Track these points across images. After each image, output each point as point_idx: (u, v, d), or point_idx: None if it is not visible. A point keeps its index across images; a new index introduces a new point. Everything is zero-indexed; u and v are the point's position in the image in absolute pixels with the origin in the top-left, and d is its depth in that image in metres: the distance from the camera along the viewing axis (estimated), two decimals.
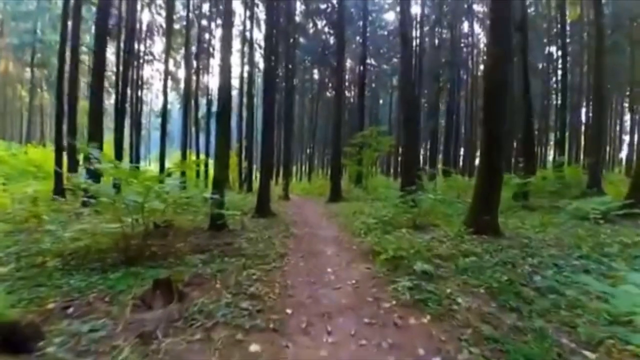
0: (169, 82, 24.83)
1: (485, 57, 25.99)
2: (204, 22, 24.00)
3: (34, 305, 2.87)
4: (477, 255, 4.36)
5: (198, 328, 2.48)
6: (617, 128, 35.06)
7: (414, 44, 22.80)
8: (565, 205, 8.27)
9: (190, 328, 2.48)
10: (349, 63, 31.11)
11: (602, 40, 13.13)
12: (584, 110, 27.06)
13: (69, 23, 12.55)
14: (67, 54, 12.45)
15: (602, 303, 2.76)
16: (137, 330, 2.33)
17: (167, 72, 20.98)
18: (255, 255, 4.75)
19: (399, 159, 26.43)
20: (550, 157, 28.63)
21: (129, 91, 19.58)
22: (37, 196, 6.98)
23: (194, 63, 23.11)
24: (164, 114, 19.45)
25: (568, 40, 20.80)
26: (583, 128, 26.68)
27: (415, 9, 25.38)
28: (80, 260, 4.11)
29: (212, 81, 26.02)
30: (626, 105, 33.32)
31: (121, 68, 17.18)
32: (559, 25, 21.19)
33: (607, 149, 29.43)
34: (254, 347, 2.29)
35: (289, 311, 2.94)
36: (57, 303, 2.90)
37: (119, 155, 14.27)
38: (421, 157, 28.66)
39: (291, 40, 20.93)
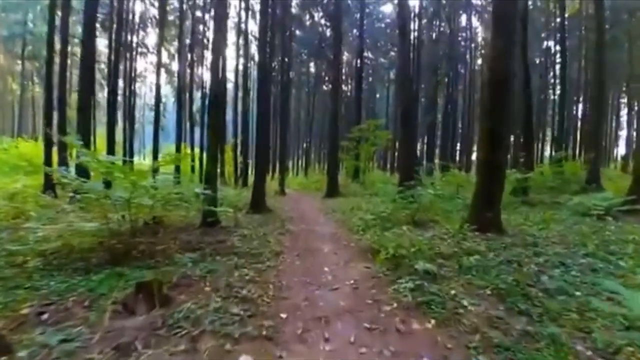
0: (163, 75, 24.40)
1: (483, 51, 25.98)
2: (198, 13, 23.54)
3: (8, 310, 2.67)
4: (480, 254, 4.19)
5: (183, 337, 2.27)
6: (614, 124, 35.09)
7: (412, 37, 22.51)
8: (566, 201, 8.17)
9: (175, 337, 2.27)
10: (345, 56, 30.73)
11: (603, 35, 12.94)
12: (580, 105, 27.04)
13: (58, 13, 12.17)
14: (58, 46, 12.05)
15: (615, 305, 2.58)
16: (115, 341, 2.13)
17: (160, 65, 20.54)
18: (249, 253, 4.56)
19: (396, 153, 26.33)
20: (547, 153, 28.60)
21: (121, 83, 19.22)
22: (17, 192, 6.69)
23: (188, 55, 22.69)
24: (157, 107, 19.12)
25: (566, 35, 20.62)
26: (579, 123, 26.65)
27: (413, 1, 25.15)
28: (63, 260, 3.90)
29: (207, 74, 25.59)
30: (622, 100, 33.35)
31: (112, 59, 16.76)
32: (557, 20, 21.03)
33: (604, 144, 29.43)
34: (244, 358, 2.10)
35: (283, 316, 2.75)
36: (32, 308, 2.71)
37: (111, 149, 13.92)
38: (418, 152, 28.55)
39: (287, 32, 20.53)
